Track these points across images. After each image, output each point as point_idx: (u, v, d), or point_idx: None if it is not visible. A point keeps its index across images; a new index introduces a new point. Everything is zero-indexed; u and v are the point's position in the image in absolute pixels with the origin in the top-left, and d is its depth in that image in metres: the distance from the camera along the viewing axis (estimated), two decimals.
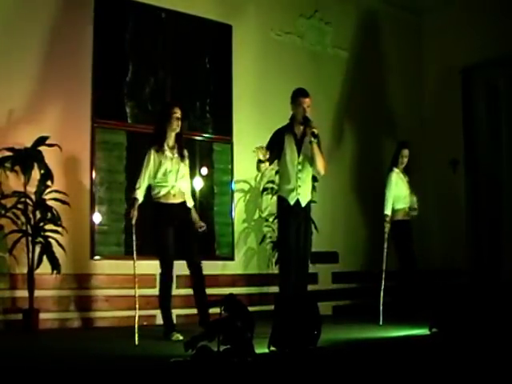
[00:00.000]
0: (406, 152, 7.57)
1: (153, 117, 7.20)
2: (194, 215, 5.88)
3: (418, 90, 9.83)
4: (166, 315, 5.59)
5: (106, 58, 6.92)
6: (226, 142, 7.74)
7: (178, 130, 5.73)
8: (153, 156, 5.65)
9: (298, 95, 6.01)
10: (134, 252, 5.44)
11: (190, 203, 5.89)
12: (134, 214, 5.52)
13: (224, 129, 7.75)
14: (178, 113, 5.72)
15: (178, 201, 5.70)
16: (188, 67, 7.59)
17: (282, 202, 5.87)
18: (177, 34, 7.51)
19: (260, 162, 5.61)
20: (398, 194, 7.53)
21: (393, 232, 7.33)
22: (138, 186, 5.63)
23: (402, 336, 5.51)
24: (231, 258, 7.60)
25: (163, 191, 5.65)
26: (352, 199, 8.76)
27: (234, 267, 7.55)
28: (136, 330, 5.14)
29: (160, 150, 5.66)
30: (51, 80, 6.52)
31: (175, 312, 6.94)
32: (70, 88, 6.63)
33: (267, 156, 5.56)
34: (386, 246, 7.08)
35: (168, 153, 5.68)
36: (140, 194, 5.61)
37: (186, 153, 5.82)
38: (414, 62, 9.86)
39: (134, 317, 5.99)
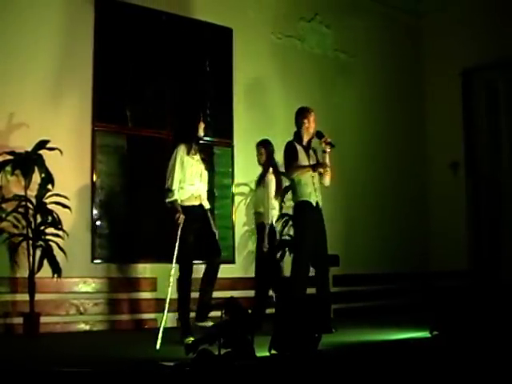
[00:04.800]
0: (258, 149, 6.78)
1: (153, 120, 7.27)
2: (210, 219, 5.81)
3: (418, 91, 9.84)
4: (185, 318, 5.52)
5: (106, 62, 6.93)
6: (226, 145, 7.75)
7: (202, 133, 5.79)
8: (183, 155, 5.63)
9: (308, 111, 6.41)
10: (174, 258, 5.44)
11: (207, 205, 5.82)
12: (182, 217, 5.49)
13: (224, 132, 7.76)
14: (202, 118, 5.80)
15: (197, 203, 5.68)
16: (188, 71, 7.60)
17: (304, 204, 6.27)
18: (177, 37, 7.52)
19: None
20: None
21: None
22: (174, 187, 5.55)
23: (403, 339, 5.51)
24: (232, 261, 7.60)
25: (187, 194, 5.62)
26: (353, 202, 8.76)
27: (234, 270, 7.55)
28: (160, 333, 5.13)
29: (189, 150, 5.65)
30: (52, 83, 6.53)
31: (176, 315, 6.97)
32: (70, 91, 6.64)
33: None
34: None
35: (194, 154, 5.70)
36: (177, 195, 5.57)
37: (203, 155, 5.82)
38: (414, 64, 9.88)
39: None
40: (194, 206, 5.65)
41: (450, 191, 9.24)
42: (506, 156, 8.93)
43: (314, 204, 6.27)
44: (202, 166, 5.76)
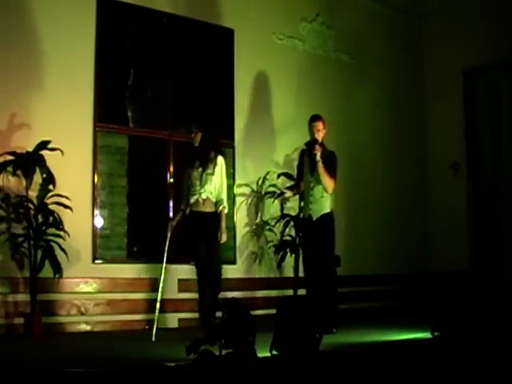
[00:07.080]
0: None
1: (154, 121, 7.27)
2: (221, 223, 6.06)
3: (419, 92, 9.83)
4: (203, 317, 5.83)
5: (107, 62, 6.93)
6: (227, 146, 7.73)
7: (195, 143, 6.09)
8: (188, 171, 6.16)
9: (310, 120, 6.44)
10: (164, 258, 6.09)
11: (220, 208, 6.11)
12: (170, 224, 6.19)
13: (226, 133, 7.75)
14: (192, 128, 6.11)
15: (207, 210, 6.05)
16: (190, 71, 7.59)
17: (301, 219, 6.57)
18: (178, 38, 7.52)
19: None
20: None
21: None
22: (183, 203, 6.18)
23: (404, 340, 5.50)
24: (233, 262, 7.60)
25: (193, 200, 6.05)
26: (354, 203, 8.75)
27: (235, 271, 7.54)
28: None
29: (191, 164, 6.12)
30: (53, 84, 6.53)
31: (177, 315, 6.97)
32: (71, 92, 6.63)
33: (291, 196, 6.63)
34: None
35: (197, 164, 6.10)
36: (185, 205, 6.14)
37: (212, 156, 6.10)
38: (415, 64, 9.87)
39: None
40: (198, 212, 6.03)
41: (451, 192, 9.23)
42: (507, 157, 8.92)
43: (306, 217, 6.38)
44: (203, 172, 6.06)
